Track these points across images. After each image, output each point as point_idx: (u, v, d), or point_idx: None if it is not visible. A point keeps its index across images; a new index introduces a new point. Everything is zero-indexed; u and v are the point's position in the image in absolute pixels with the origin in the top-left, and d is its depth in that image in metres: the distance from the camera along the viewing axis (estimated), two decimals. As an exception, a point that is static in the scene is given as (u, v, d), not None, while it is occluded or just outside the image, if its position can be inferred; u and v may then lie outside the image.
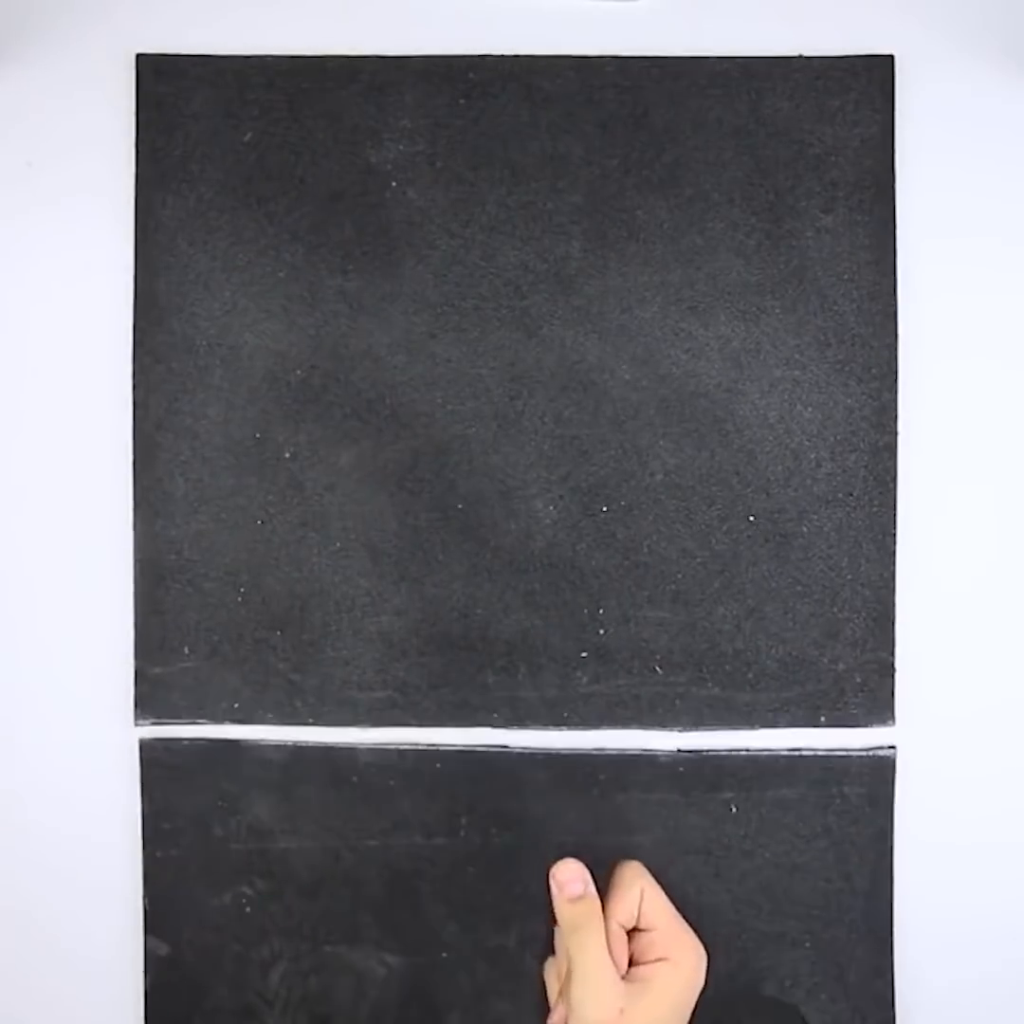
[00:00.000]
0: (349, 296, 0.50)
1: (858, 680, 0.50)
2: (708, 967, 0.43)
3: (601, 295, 0.50)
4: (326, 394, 0.50)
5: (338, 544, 0.50)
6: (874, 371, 0.50)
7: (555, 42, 0.50)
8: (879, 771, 0.50)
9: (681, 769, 0.50)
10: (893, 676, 0.50)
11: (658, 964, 0.42)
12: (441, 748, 0.50)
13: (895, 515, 0.50)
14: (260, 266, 0.50)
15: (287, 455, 0.50)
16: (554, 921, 0.44)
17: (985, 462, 0.50)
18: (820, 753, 0.50)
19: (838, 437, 0.50)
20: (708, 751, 0.50)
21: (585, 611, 0.50)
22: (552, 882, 0.43)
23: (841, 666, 0.50)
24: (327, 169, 0.50)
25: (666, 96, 0.50)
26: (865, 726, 0.50)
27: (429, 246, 0.50)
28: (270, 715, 0.50)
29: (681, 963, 0.42)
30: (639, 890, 0.43)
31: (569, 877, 0.43)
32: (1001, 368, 0.50)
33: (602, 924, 0.42)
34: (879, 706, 0.50)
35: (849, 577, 0.50)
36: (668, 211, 0.50)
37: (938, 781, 0.50)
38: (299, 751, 0.50)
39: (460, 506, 0.50)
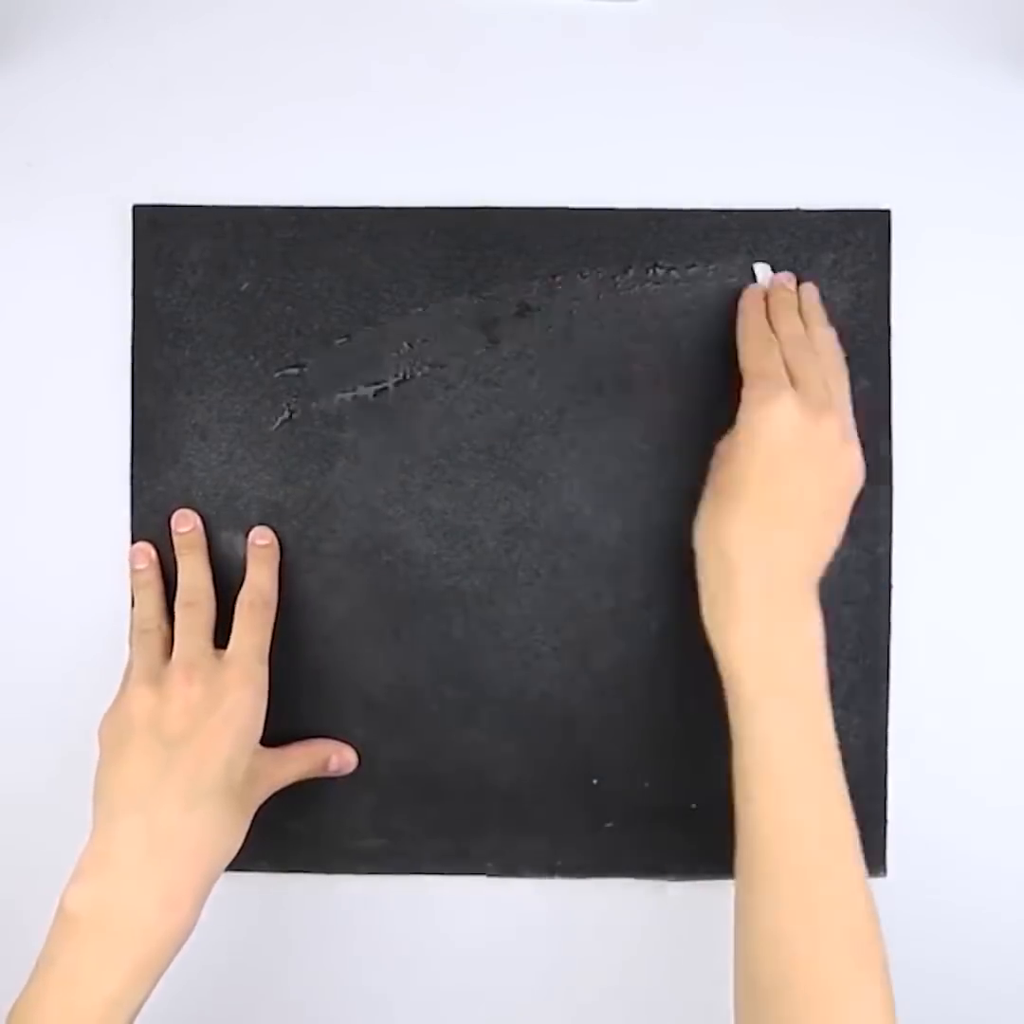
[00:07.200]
0: (345, 447, 0.50)
1: (850, 830, 0.50)
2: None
3: (597, 448, 0.50)
4: (321, 545, 0.50)
5: (333, 693, 0.50)
6: (869, 524, 0.50)
7: (553, 47, 0.50)
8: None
9: None
10: (885, 827, 0.50)
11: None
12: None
13: (889, 668, 0.50)
14: (256, 416, 0.50)
15: (283, 605, 0.50)
16: None
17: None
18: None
19: (832, 590, 0.50)
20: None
21: (579, 762, 0.50)
22: None
23: (833, 816, 0.50)
24: (323, 319, 0.50)
25: (663, 248, 0.50)
26: (856, 876, 0.50)
27: (425, 397, 0.50)
28: (264, 863, 0.50)
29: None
30: None
31: None
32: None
33: None
34: (870, 857, 0.50)
35: (842, 728, 0.50)
36: (665, 363, 0.50)
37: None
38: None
39: (455, 656, 0.50)
